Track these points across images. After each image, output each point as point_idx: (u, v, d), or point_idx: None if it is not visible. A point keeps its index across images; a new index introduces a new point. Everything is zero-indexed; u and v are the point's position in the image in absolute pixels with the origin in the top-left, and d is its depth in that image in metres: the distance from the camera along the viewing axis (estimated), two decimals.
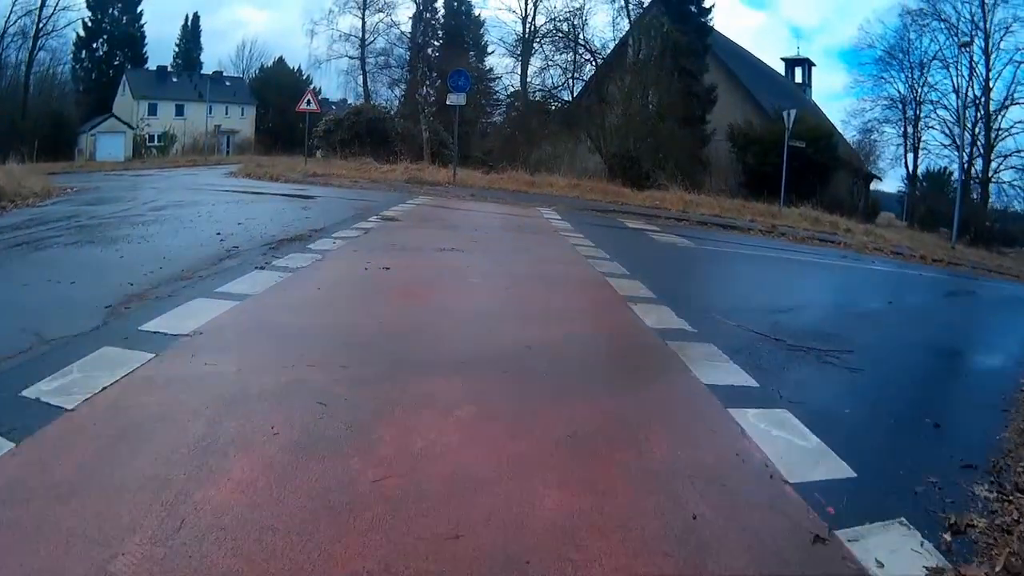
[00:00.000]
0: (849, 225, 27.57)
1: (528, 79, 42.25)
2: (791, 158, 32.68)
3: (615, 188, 28.66)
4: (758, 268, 14.68)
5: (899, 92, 54.22)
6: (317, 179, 27.05)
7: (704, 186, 33.83)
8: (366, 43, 54.88)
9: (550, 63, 40.15)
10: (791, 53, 68.46)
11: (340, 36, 55.31)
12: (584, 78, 40.21)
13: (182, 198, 18.54)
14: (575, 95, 39.71)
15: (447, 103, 29.22)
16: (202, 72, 75.32)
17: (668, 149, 33.76)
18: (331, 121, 41.80)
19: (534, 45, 41.98)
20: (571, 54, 39.44)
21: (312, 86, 71.89)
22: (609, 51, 39.36)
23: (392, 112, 47.77)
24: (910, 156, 55.43)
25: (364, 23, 54.25)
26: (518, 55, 43.34)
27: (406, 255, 10.71)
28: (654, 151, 33.18)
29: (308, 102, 35.23)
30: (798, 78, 65.82)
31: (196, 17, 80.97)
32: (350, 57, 55.28)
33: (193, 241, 10.45)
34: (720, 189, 34.34)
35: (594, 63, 39.04)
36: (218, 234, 10.99)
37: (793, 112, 32.22)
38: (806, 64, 66.26)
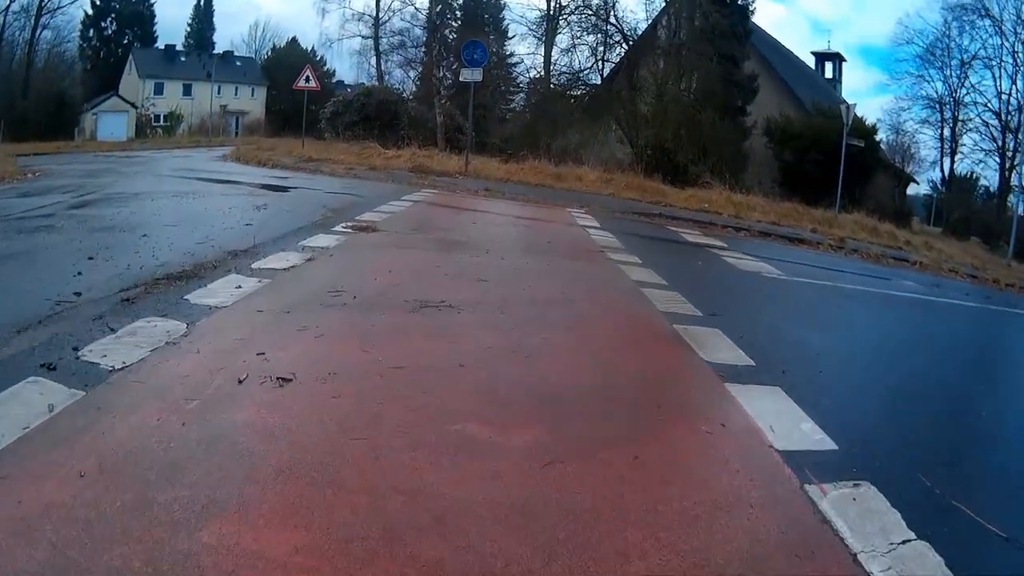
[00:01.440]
0: (907, 236, 24.25)
1: (552, 61, 37.37)
2: (833, 157, 28.90)
3: (653, 185, 24.23)
4: (898, 320, 10.19)
5: (936, 92, 50.15)
6: (309, 165, 23.26)
7: (744, 184, 29.19)
8: (380, 22, 50.15)
9: (577, 42, 35.22)
10: (819, 47, 63.42)
11: (353, 15, 50.44)
12: (614, 60, 35.29)
13: (129, 189, 15.09)
14: (604, 78, 34.72)
15: (460, 79, 24.72)
16: (213, 52, 70.99)
17: (710, 142, 29.27)
18: (339, 102, 37.77)
19: (559, 22, 37.06)
20: (600, 35, 34.53)
21: (326, 67, 69.03)
22: (641, 32, 34.39)
23: (406, 95, 44.35)
24: (945, 159, 51.61)
25: (378, 1, 49.48)
26: (541, 35, 38.43)
27: (348, 327, 5.40)
28: (693, 143, 28.55)
29: (307, 79, 30.96)
30: (827, 73, 61.04)
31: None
32: (363, 37, 50.45)
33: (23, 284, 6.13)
34: (759, 187, 29.58)
35: (625, 44, 34.08)
36: (90, 259, 6.97)
37: (853, 106, 28.01)
38: (836, 59, 61.45)
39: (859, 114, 46.60)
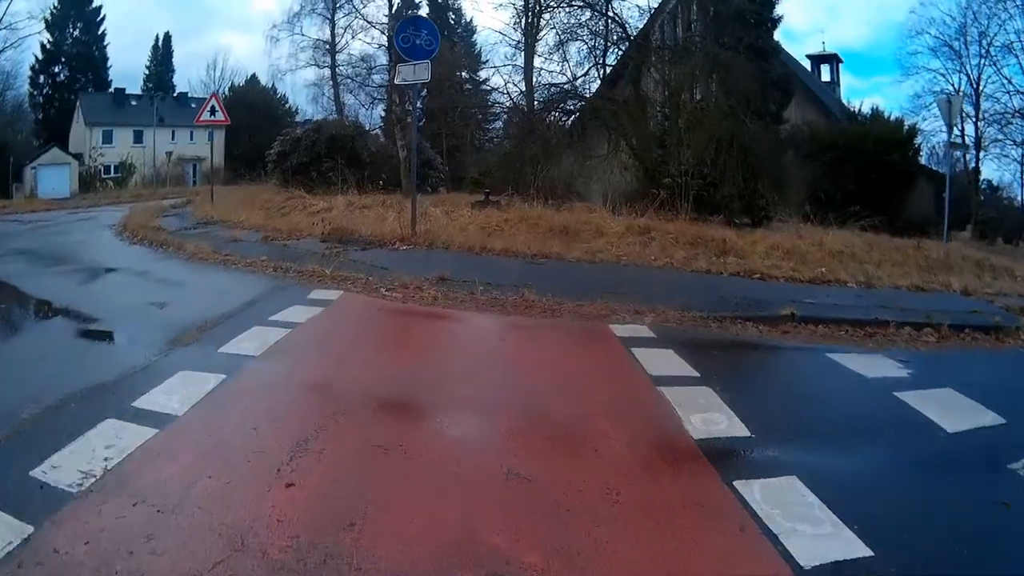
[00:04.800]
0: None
1: (536, 70, 27.16)
2: (868, 167, 26.45)
3: (709, 232, 14.69)
4: None
5: (954, 87, 40.90)
6: (191, 237, 14.97)
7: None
8: (337, 48, 40.90)
9: (565, 38, 24.65)
10: (814, 49, 54.35)
11: (307, 43, 41.14)
12: (611, 65, 24.92)
13: None
14: (602, 84, 24.37)
15: (397, 80, 14.86)
16: (166, 95, 61.32)
17: (759, 162, 19.73)
18: (286, 140, 28.08)
19: (542, 20, 26.79)
20: (595, 32, 24.20)
21: (288, 104, 59.51)
22: (644, 25, 23.93)
23: (366, 128, 34.49)
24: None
25: (334, 25, 40.11)
26: (518, 42, 28.42)
27: None
28: (742, 166, 19.08)
29: (212, 110, 21.60)
30: (825, 76, 52.01)
31: (168, 37, 67.08)
32: (319, 66, 41.18)
33: None
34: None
35: (626, 43, 23.80)
36: None
37: (958, 99, 19.67)
38: (834, 61, 52.37)
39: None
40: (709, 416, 5.23)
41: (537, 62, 27.07)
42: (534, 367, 6.45)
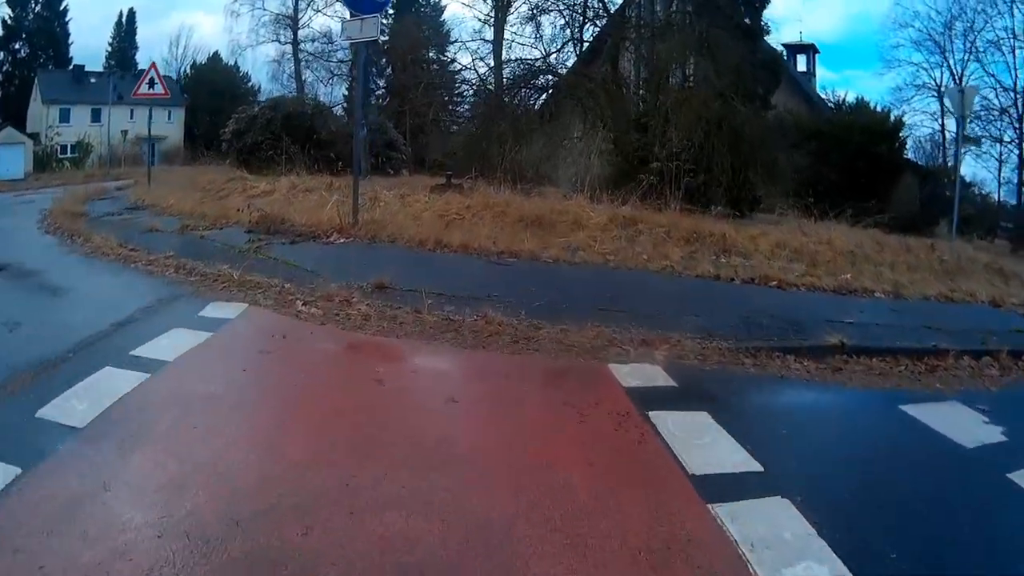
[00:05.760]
0: None
1: (506, 45, 24.51)
2: (855, 158, 24.43)
3: (705, 226, 12.20)
4: None
5: (935, 82, 40.99)
6: (111, 221, 13.02)
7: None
8: (300, 24, 38.21)
9: (536, 9, 22.05)
10: (790, 39, 52.39)
11: (269, 17, 38.35)
12: (588, 39, 22.37)
13: None
14: (578, 60, 21.91)
15: (342, 38, 12.60)
16: (134, 72, 57.73)
17: (751, 147, 17.35)
18: (242, 119, 25.64)
19: None
20: (570, 12, 21.69)
21: (250, 83, 56.16)
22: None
23: (325, 106, 31.80)
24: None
25: (296, 0, 37.45)
26: (487, 16, 25.81)
27: None
28: (733, 151, 16.69)
29: (151, 82, 19.01)
30: (801, 66, 49.97)
31: (132, 14, 62.58)
32: (280, 41, 38.44)
33: None
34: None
35: (605, 13, 21.25)
36: None
37: (972, 90, 19.47)
38: (810, 51, 50.23)
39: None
40: None
41: (507, 35, 24.48)
42: (500, 466, 3.90)
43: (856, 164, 24.45)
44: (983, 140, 32.62)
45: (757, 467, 3.91)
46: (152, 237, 10.68)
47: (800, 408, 5.36)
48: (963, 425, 4.93)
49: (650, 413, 4.50)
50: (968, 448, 4.54)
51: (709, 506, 3.46)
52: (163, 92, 19.62)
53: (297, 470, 3.64)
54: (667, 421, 4.40)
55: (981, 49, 37.23)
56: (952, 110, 17.65)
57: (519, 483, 3.61)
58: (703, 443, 4.17)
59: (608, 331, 6.18)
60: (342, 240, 10.16)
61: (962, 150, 20.18)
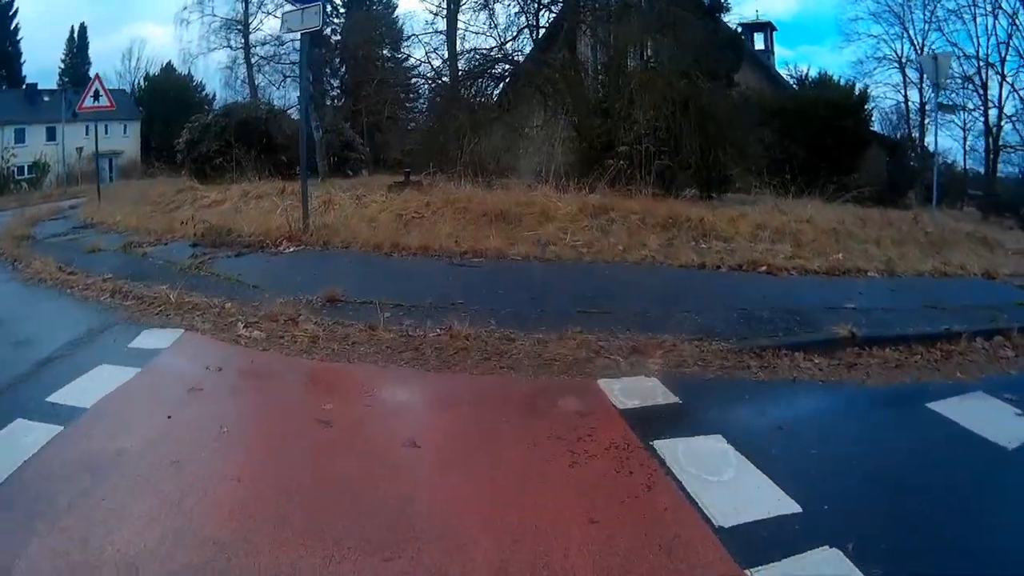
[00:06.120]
0: None
1: (460, 34, 23.47)
2: (820, 133, 23.76)
3: (678, 209, 11.35)
4: None
5: (896, 53, 38.79)
6: (57, 243, 12.09)
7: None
8: (251, 28, 37.08)
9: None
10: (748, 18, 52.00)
11: (218, 23, 37.19)
12: (544, 25, 21.38)
13: None
14: (533, 49, 21.04)
15: (282, 29, 11.47)
16: (78, 88, 56.18)
17: (720, 128, 16.57)
18: (195, 127, 24.84)
19: None
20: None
21: (204, 91, 54.65)
22: None
23: (280, 110, 30.01)
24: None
25: (247, 3, 36.27)
26: (439, 5, 24.72)
27: None
28: (700, 132, 15.85)
29: (95, 95, 18.18)
30: (759, 45, 49.61)
31: (83, 28, 60.38)
32: (231, 47, 37.34)
33: None
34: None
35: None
36: None
37: (946, 57, 18.10)
38: (768, 29, 49.81)
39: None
40: None
41: (461, 25, 23.52)
42: (477, 535, 2.98)
43: (823, 139, 24.02)
44: (958, 109, 31.92)
45: (794, 507, 3.15)
46: (93, 258, 9.66)
47: (822, 417, 4.61)
48: (997, 421, 4.43)
49: (655, 444, 3.70)
50: (1010, 450, 4.03)
51: (747, 572, 2.67)
52: (108, 104, 18.72)
53: (220, 556, 2.78)
54: (677, 453, 3.61)
55: (943, 18, 36.52)
56: (928, 77, 17.30)
57: (504, 560, 2.77)
58: (724, 480, 3.39)
59: (592, 338, 5.35)
60: (292, 248, 9.23)
61: (940, 119, 19.49)
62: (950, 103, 20.64)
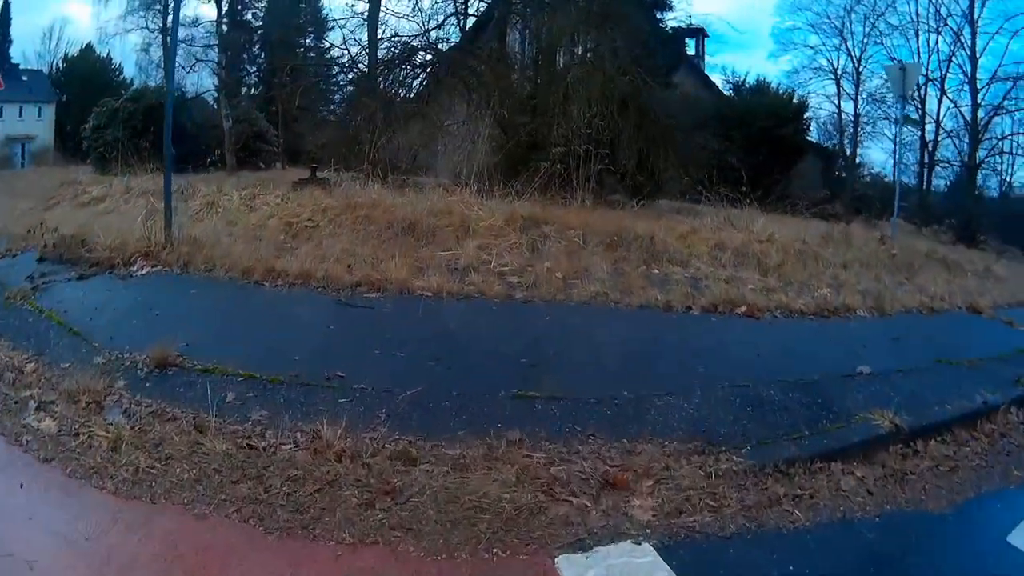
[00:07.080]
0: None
1: (382, 21, 21.29)
2: (758, 143, 22.69)
3: (619, 222, 9.25)
4: None
5: (831, 64, 37.91)
6: None
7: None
8: (169, 10, 34.53)
9: None
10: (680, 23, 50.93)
11: (137, 3, 34.64)
12: (474, 13, 19.29)
13: None
14: (461, 39, 18.89)
15: None
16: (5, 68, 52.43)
17: (660, 130, 15.11)
18: (102, 113, 22.97)
19: None
20: None
21: (122, 75, 51.28)
22: None
23: (194, 96, 27.76)
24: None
25: None
26: None
27: None
28: (642, 135, 14.43)
29: None
30: (690, 50, 48.90)
31: (7, 5, 56.49)
32: (148, 29, 34.62)
33: None
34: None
35: None
36: None
37: (914, 67, 17.29)
38: (700, 35, 48.87)
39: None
40: None
41: (383, 10, 21.47)
42: None
43: (760, 147, 23.10)
44: (916, 123, 31.16)
45: None
46: None
47: None
48: None
49: None
50: None
51: None
52: None
53: None
54: None
55: (885, 32, 35.92)
56: (893, 88, 15.90)
57: None
58: None
59: (540, 459, 3.34)
60: (146, 269, 6.93)
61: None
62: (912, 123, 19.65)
